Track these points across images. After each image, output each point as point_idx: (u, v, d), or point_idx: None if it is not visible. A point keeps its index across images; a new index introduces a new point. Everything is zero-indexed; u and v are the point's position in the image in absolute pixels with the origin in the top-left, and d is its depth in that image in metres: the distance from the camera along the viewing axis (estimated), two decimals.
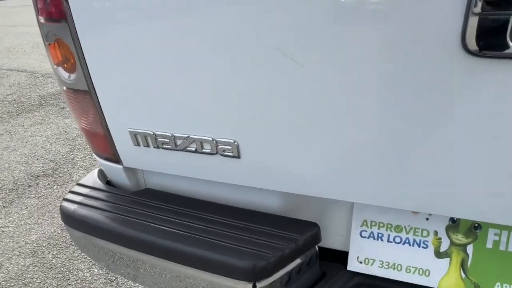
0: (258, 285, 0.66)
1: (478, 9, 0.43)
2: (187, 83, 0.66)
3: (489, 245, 0.72)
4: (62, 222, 0.85)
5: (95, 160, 2.65)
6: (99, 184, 0.89)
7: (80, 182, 0.91)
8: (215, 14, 0.59)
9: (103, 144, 0.82)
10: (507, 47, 0.44)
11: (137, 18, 0.64)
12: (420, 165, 0.59)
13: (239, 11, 0.57)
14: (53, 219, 2.04)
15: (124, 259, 0.79)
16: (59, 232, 1.94)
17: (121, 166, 0.85)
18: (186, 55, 0.64)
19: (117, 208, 0.80)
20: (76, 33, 0.67)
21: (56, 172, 2.46)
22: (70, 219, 0.82)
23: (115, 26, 0.66)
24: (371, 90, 0.55)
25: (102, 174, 0.94)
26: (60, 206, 0.84)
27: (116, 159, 0.84)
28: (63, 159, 2.62)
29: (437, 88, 0.51)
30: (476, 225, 0.72)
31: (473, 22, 0.44)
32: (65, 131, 3.00)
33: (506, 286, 0.71)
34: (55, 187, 2.32)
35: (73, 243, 1.02)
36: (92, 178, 0.92)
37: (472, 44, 0.46)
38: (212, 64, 0.63)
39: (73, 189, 0.88)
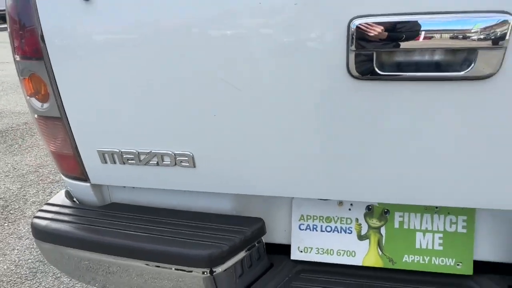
0: (215, 270, 0.79)
1: (353, 47, 0.64)
2: (149, 105, 0.80)
3: (396, 225, 0.91)
4: (34, 238, 0.92)
5: (50, 194, 2.61)
6: (67, 202, 0.98)
7: (48, 202, 0.99)
8: (170, 53, 0.75)
9: (72, 164, 0.92)
10: (376, 73, 0.65)
11: (104, 56, 0.78)
12: (336, 163, 0.78)
13: (187, 51, 0.74)
14: (5, 256, 1.98)
15: (95, 264, 0.88)
16: (13, 268, 1.89)
17: (89, 184, 0.95)
18: (145, 85, 0.79)
19: (86, 220, 0.90)
20: (52, 68, 0.80)
21: (6, 210, 2.39)
22: (41, 233, 0.90)
23: (86, 62, 0.79)
24: (290, 107, 0.74)
25: (68, 194, 1.03)
26: (32, 222, 0.92)
27: (84, 178, 0.94)
28: (14, 196, 2.55)
29: (335, 102, 0.71)
30: (386, 210, 0.92)
31: (352, 56, 0.64)
32: (15, 168, 2.92)
33: (411, 257, 0.90)
34: (6, 224, 2.26)
35: (43, 258, 1.05)
36: (59, 198, 1.01)
37: (354, 71, 0.66)
38: (168, 90, 0.78)
39: (42, 208, 0.96)
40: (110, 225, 0.88)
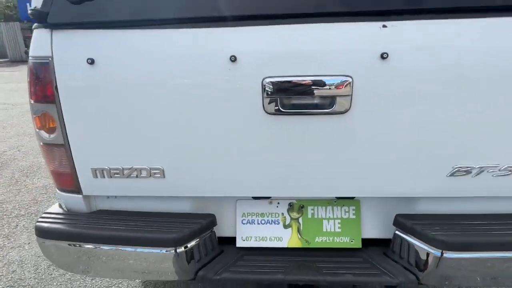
0: (178, 249, 1.11)
1: (265, 95, 1.04)
2: (132, 134, 1.14)
3: (309, 216, 1.29)
4: (37, 237, 1.18)
5: (16, 227, 2.71)
6: (62, 210, 1.26)
7: (46, 211, 1.26)
8: (143, 101, 1.11)
9: (69, 180, 1.22)
10: (280, 111, 1.06)
11: (100, 100, 1.12)
12: (262, 171, 1.15)
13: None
14: None
15: (88, 254, 1.15)
16: None
17: (81, 195, 1.25)
18: (129, 121, 1.13)
19: (81, 221, 1.19)
20: (61, 109, 1.12)
21: None
22: (44, 233, 1.16)
23: (86, 105, 1.12)
24: (229, 134, 1.11)
25: (60, 206, 1.31)
26: (36, 225, 1.18)
27: (78, 190, 1.23)
28: None
29: (258, 129, 1.10)
30: (302, 205, 1.30)
31: (266, 100, 1.05)
32: None
33: (320, 238, 1.28)
34: None
35: (43, 253, 1.24)
36: (54, 208, 1.28)
37: (267, 110, 1.06)
38: (144, 125, 1.12)
39: (42, 215, 1.23)
40: (100, 224, 1.17)
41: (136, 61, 1.07)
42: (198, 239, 1.16)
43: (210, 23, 1.04)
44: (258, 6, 1.04)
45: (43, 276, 2.09)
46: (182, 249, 1.12)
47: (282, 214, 1.30)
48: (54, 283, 2.02)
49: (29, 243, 2.43)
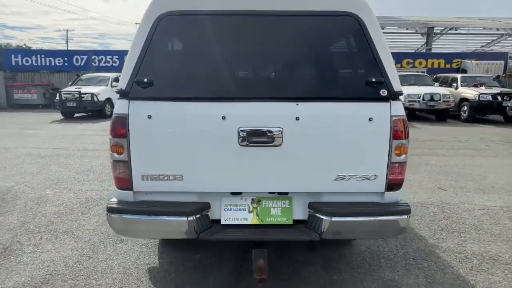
0: (189, 218, 2.03)
1: (239, 135, 2.06)
2: (166, 156, 2.10)
3: (263, 205, 2.26)
4: (107, 212, 2.06)
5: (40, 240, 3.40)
6: (119, 201, 2.16)
7: (109, 201, 2.15)
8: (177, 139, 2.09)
9: (127, 182, 2.13)
10: (247, 144, 2.07)
11: (152, 137, 2.09)
12: (235, 177, 2.13)
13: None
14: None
15: (133, 222, 2.05)
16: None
17: (131, 191, 2.16)
18: (168, 150, 2.10)
19: (130, 204, 2.10)
20: (129, 141, 2.07)
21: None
22: (112, 210, 2.05)
23: (144, 139, 2.08)
24: (218, 155, 2.10)
25: (117, 201, 2.20)
26: (107, 207, 2.07)
27: (130, 188, 2.15)
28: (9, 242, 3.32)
29: (234, 153, 2.10)
30: (259, 199, 2.26)
31: (239, 139, 2.06)
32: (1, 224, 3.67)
33: (269, 219, 2.23)
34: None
35: (108, 223, 2.07)
36: (113, 200, 2.18)
37: (240, 143, 2.07)
38: (177, 151, 2.10)
39: (108, 203, 2.12)
40: (144, 206, 2.09)
41: (172, 117, 2.08)
42: (199, 215, 2.09)
43: (214, 100, 2.09)
44: (237, 93, 2.10)
45: (70, 264, 2.84)
46: (191, 218, 2.04)
47: (248, 204, 2.25)
48: (82, 273, 2.78)
49: (54, 249, 3.16)
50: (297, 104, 2.08)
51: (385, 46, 2.16)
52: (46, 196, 4.57)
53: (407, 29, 22.44)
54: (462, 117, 13.63)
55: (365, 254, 3.11)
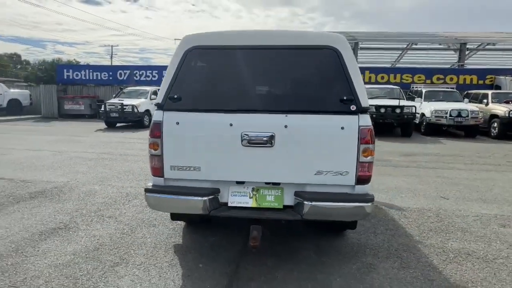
0: (204, 198, 2.73)
1: (242, 138, 2.75)
2: (189, 152, 2.83)
3: (261, 193, 2.91)
4: (145, 193, 2.80)
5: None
6: (154, 185, 2.91)
7: (147, 185, 2.91)
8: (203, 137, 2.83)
9: (159, 171, 2.88)
10: (248, 145, 2.75)
11: (179, 138, 2.83)
12: (239, 169, 2.82)
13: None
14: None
15: (163, 200, 2.78)
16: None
17: (163, 178, 2.90)
18: (189, 147, 2.83)
19: (161, 187, 2.84)
20: (162, 140, 2.82)
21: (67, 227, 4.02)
22: (149, 190, 2.80)
23: (174, 139, 2.83)
24: (228, 153, 2.81)
25: (152, 185, 2.95)
26: (145, 188, 2.82)
27: (162, 176, 2.89)
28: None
29: (238, 151, 2.79)
30: (258, 188, 2.92)
31: (243, 141, 2.75)
32: (58, 211, 4.56)
33: (265, 203, 2.88)
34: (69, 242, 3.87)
35: (145, 200, 2.94)
36: (149, 184, 2.93)
37: (243, 144, 2.75)
38: (195, 149, 2.83)
39: (146, 187, 2.87)
40: (172, 188, 2.82)
41: (194, 123, 2.82)
42: (212, 196, 2.79)
43: (224, 112, 2.81)
44: (241, 106, 2.81)
45: (114, 239, 3.62)
46: (205, 198, 2.74)
47: (249, 192, 2.92)
48: (123, 245, 3.55)
49: (102, 228, 3.97)
50: (286, 116, 2.75)
51: (356, 72, 2.79)
52: (95, 190, 5.48)
53: (440, 44, 22.46)
54: (492, 134, 13.50)
55: (354, 245, 3.66)
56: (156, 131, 2.84)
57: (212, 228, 4.00)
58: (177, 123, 2.82)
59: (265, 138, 2.75)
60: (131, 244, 3.58)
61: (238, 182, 2.92)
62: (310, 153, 2.77)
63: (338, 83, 2.78)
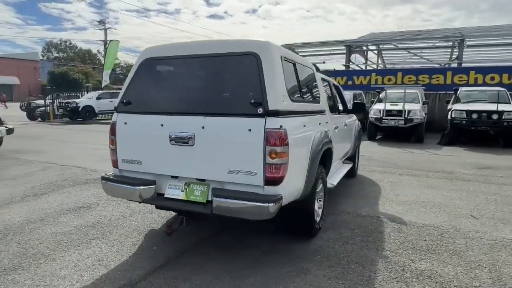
0: (139, 187, 3.19)
1: (170, 137, 3.12)
2: (133, 148, 3.35)
3: (191, 188, 3.21)
4: (102, 180, 3.41)
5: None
6: (112, 174, 3.50)
7: (103, 175, 3.52)
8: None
9: (115, 163, 3.46)
10: (174, 143, 3.11)
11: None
12: (175, 166, 3.19)
13: None
14: None
15: (114, 187, 3.33)
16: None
17: (118, 169, 3.47)
18: (141, 142, 3.33)
19: (116, 176, 3.40)
20: (116, 137, 3.40)
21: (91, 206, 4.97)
22: (103, 178, 3.40)
23: (123, 135, 3.38)
24: (160, 150, 3.21)
25: (112, 173, 3.55)
26: (101, 176, 3.43)
27: (117, 167, 3.47)
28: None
29: (169, 150, 3.16)
30: (189, 183, 3.24)
31: (171, 140, 3.12)
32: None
33: (193, 197, 3.17)
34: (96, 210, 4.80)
35: (102, 187, 3.49)
36: (108, 173, 3.54)
37: (171, 142, 3.12)
38: (140, 144, 3.32)
39: (103, 175, 3.49)
40: (119, 178, 3.36)
41: (136, 123, 3.31)
42: (147, 186, 3.22)
43: (157, 114, 3.22)
44: (170, 109, 3.17)
45: (122, 217, 4.37)
46: (139, 187, 3.19)
47: (181, 185, 3.25)
48: (121, 224, 4.26)
49: (113, 210, 4.79)
50: (204, 118, 3.00)
51: (273, 76, 2.87)
52: None
53: None
54: None
55: (310, 250, 3.60)
56: (112, 130, 3.43)
57: (195, 222, 4.42)
58: (125, 123, 3.35)
59: (186, 138, 3.05)
60: (120, 225, 4.27)
61: (173, 177, 3.28)
62: (223, 152, 2.96)
63: (252, 87, 2.90)
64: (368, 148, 11.27)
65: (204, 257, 3.43)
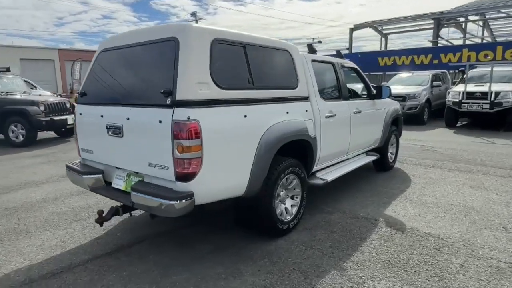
0: (86, 176, 3.30)
1: (107, 128, 3.13)
2: (91, 140, 3.46)
3: (130, 178, 3.20)
4: (66, 169, 3.64)
5: None
6: (76, 162, 3.70)
7: (68, 163, 3.73)
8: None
9: (78, 151, 3.64)
10: (110, 135, 3.11)
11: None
12: (117, 158, 3.21)
13: None
14: None
15: (71, 175, 3.52)
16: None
17: (80, 157, 3.65)
18: (93, 132, 3.44)
19: (74, 163, 3.59)
20: (75, 127, 3.56)
21: None
22: (66, 166, 3.61)
23: (80, 124, 3.51)
24: (102, 142, 3.25)
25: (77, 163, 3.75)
26: (66, 165, 3.65)
27: (80, 155, 3.64)
28: None
29: (107, 141, 3.18)
30: (130, 174, 3.21)
31: (108, 130, 3.13)
32: None
33: (129, 188, 3.16)
34: None
35: (67, 175, 3.76)
36: (70, 162, 3.74)
37: (108, 133, 3.13)
38: (91, 135, 3.42)
39: (66, 164, 3.70)
40: (76, 166, 3.53)
41: (87, 114, 3.40)
42: (93, 176, 3.31)
43: (98, 105, 3.24)
44: (107, 100, 3.16)
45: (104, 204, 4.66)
46: (85, 176, 3.30)
47: (124, 176, 3.24)
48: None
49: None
50: (130, 108, 2.92)
51: (187, 62, 2.61)
52: None
53: None
54: None
55: (263, 250, 3.29)
56: (74, 120, 3.60)
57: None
58: (80, 114, 3.47)
59: (117, 129, 3.02)
60: (102, 208, 4.52)
61: (117, 167, 3.30)
62: (144, 145, 2.83)
63: (167, 75, 2.69)
64: (437, 137, 9.83)
65: (154, 249, 3.40)
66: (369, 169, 6.24)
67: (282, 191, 3.58)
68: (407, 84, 13.46)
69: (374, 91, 5.35)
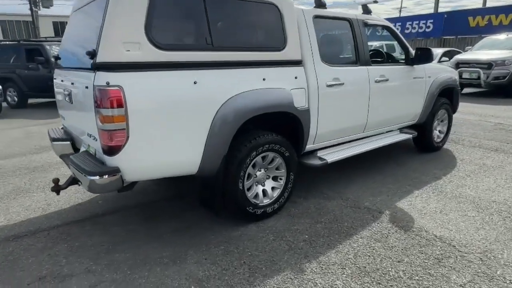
0: (54, 142, 3.24)
1: (66, 92, 2.97)
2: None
3: (90, 146, 3.04)
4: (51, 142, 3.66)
5: None
6: (57, 129, 3.69)
7: (48, 129, 3.72)
8: None
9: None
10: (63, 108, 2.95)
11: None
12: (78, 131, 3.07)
13: None
14: None
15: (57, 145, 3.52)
16: None
17: (62, 125, 3.62)
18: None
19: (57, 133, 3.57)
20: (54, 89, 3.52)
21: None
22: (51, 138, 3.63)
23: (55, 88, 3.45)
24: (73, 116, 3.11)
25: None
26: (47, 130, 3.67)
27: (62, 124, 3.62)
28: None
29: (69, 106, 3.03)
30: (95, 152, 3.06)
31: (65, 93, 2.97)
32: None
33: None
34: None
35: (51, 147, 3.84)
36: (51, 128, 3.73)
37: (67, 98, 2.98)
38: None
39: (48, 129, 3.70)
40: (55, 132, 3.50)
41: (56, 78, 3.29)
42: (65, 142, 3.23)
43: (63, 69, 3.09)
44: (66, 64, 2.97)
45: None
46: (54, 142, 3.24)
47: (86, 145, 3.10)
48: None
49: None
50: (75, 72, 2.68)
51: (114, 17, 2.22)
52: None
53: None
54: None
55: (231, 238, 2.94)
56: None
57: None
58: (55, 79, 3.38)
59: (68, 95, 2.84)
60: None
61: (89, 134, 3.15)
62: (81, 112, 2.61)
63: (95, 33, 2.34)
64: None
65: (121, 221, 3.28)
66: (410, 147, 5.30)
67: (259, 171, 3.12)
68: (499, 48, 11.17)
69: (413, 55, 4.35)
